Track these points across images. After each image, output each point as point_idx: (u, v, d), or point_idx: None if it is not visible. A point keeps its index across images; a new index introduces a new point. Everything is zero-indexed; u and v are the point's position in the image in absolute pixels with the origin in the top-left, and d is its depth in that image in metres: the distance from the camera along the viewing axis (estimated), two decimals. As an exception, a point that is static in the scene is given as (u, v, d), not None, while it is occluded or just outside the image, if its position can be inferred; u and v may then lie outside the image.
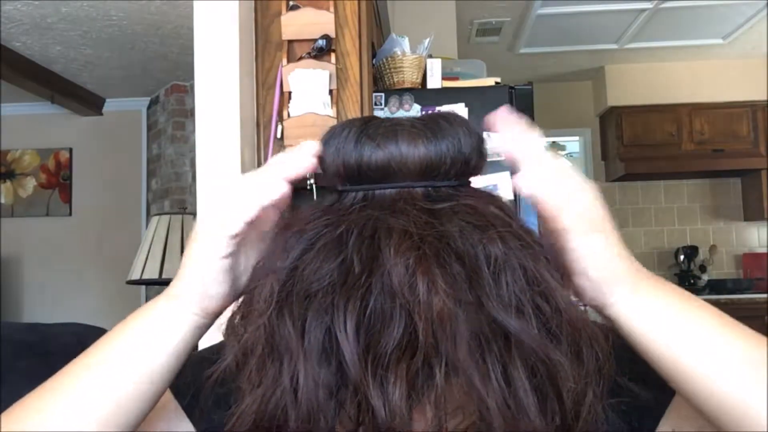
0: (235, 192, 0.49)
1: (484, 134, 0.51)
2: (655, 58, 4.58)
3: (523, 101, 2.23)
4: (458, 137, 0.48)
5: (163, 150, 4.18)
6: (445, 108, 2.21)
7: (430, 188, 0.48)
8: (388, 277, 0.42)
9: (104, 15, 3.08)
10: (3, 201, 4.46)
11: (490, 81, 2.32)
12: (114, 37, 3.34)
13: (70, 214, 4.42)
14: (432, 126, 0.49)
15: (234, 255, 0.49)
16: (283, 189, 0.48)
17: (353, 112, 1.84)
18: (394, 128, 0.48)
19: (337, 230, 0.45)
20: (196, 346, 0.51)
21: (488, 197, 0.48)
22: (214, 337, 0.52)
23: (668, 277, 4.73)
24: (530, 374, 0.41)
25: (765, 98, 4.48)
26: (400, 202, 0.47)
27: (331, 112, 1.76)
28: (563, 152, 5.99)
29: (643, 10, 3.71)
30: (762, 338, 0.43)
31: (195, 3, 1.71)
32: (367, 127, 0.49)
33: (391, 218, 0.45)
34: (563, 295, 0.44)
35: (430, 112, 0.50)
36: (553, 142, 5.82)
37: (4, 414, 0.46)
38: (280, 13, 1.82)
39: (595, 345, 0.44)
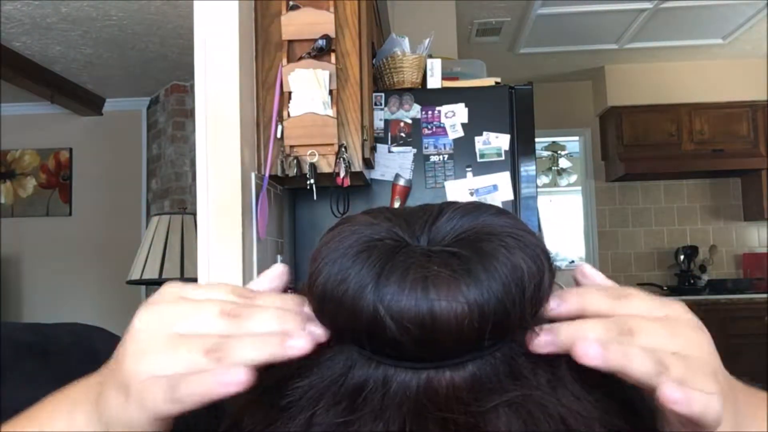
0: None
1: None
2: (655, 58, 4.58)
3: (523, 101, 2.23)
4: (519, 268, 0.32)
5: (163, 150, 4.19)
6: (446, 108, 2.21)
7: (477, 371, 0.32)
8: None
9: (104, 15, 3.08)
10: (3, 201, 4.46)
11: (490, 81, 2.32)
12: (114, 37, 3.34)
13: (70, 214, 4.43)
14: (477, 257, 0.32)
15: None
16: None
17: (353, 111, 1.84)
18: (424, 276, 0.31)
19: None
20: None
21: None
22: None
23: (668, 277, 4.73)
24: None
25: (765, 98, 4.48)
26: (431, 398, 0.31)
27: (331, 112, 1.76)
28: (563, 152, 5.99)
29: (643, 10, 3.71)
30: None
31: (195, 3, 1.71)
32: (380, 281, 0.32)
33: None
34: None
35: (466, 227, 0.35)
36: (553, 142, 5.82)
37: None
38: (280, 13, 1.82)
39: None
